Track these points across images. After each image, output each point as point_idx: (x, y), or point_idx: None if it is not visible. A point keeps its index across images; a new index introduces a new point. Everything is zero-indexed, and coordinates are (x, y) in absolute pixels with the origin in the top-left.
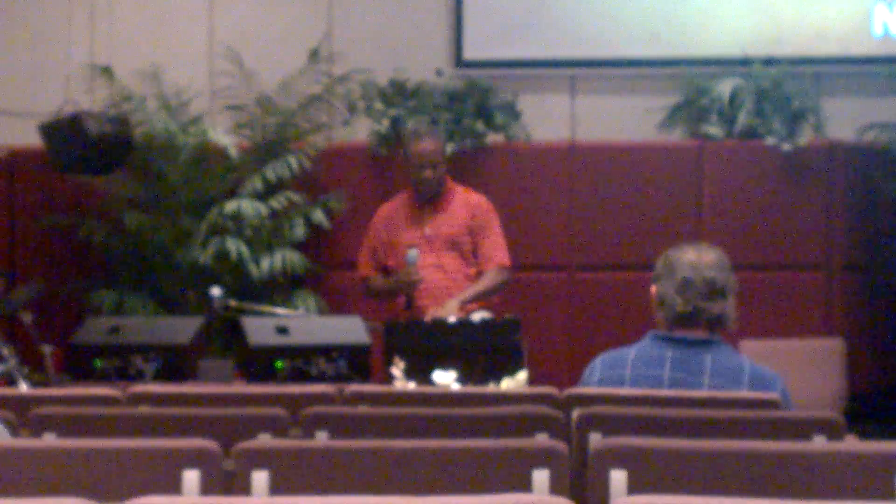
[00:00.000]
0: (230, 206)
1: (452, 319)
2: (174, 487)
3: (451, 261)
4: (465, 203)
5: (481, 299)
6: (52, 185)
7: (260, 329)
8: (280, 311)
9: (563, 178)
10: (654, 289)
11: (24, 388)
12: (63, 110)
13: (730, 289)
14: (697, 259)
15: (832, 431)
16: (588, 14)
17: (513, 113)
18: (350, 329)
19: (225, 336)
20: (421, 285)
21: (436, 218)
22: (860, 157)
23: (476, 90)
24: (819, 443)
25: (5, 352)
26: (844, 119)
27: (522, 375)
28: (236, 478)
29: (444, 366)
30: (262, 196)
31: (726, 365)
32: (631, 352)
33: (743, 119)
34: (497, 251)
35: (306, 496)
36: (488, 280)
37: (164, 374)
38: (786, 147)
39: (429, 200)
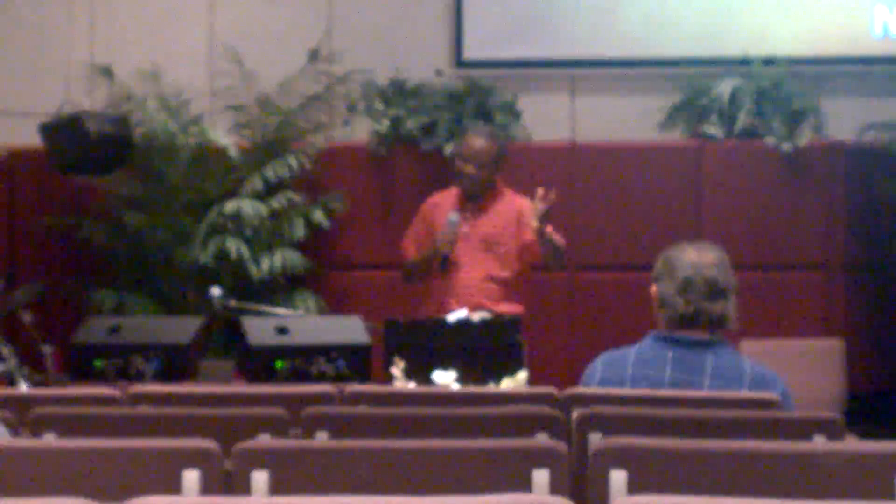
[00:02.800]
0: (230, 206)
1: (452, 319)
2: (174, 487)
3: (483, 262)
4: (510, 204)
5: (553, 249)
6: (52, 185)
7: (260, 329)
8: (280, 311)
9: (563, 178)
10: (654, 288)
11: (24, 388)
12: (63, 110)
13: (731, 288)
14: (698, 258)
15: (832, 431)
16: (588, 14)
17: (513, 113)
18: (350, 329)
19: (225, 336)
20: (450, 281)
21: (476, 216)
22: (860, 157)
23: (476, 90)
24: (819, 443)
25: (5, 352)
26: (844, 119)
27: (522, 375)
28: (236, 478)
29: (444, 366)
30: (262, 196)
31: (727, 366)
32: (632, 352)
33: (743, 119)
34: (557, 234)
35: (306, 496)
36: (560, 238)
37: (164, 374)
38: (786, 147)
39: (473, 198)
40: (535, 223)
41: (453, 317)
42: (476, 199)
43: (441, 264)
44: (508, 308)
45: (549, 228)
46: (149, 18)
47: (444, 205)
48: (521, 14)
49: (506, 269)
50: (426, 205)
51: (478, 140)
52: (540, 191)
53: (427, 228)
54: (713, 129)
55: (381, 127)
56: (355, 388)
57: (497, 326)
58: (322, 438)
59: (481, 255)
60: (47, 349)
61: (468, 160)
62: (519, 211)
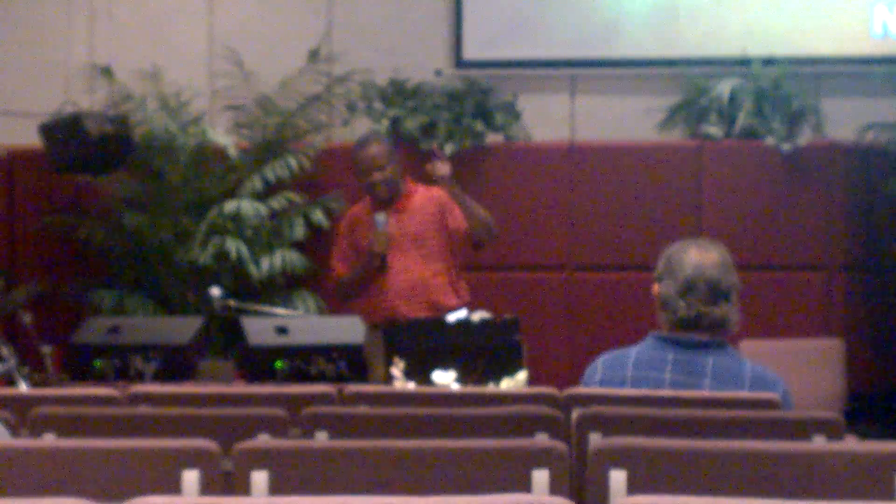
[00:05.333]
0: (230, 206)
1: (452, 319)
2: (174, 487)
3: (419, 259)
4: (427, 197)
5: (469, 209)
6: (52, 185)
7: (260, 329)
8: (280, 311)
9: (563, 178)
10: (656, 288)
11: (24, 388)
12: (63, 110)
13: (733, 289)
14: (700, 258)
15: (832, 431)
16: (588, 14)
17: (513, 113)
18: (350, 329)
19: (225, 336)
20: (394, 286)
21: (399, 218)
22: (860, 157)
23: (476, 90)
24: (819, 443)
25: (5, 352)
26: (844, 119)
27: (522, 375)
28: (236, 478)
29: (444, 366)
30: (262, 196)
31: (728, 368)
32: (632, 353)
33: (743, 119)
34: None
35: (306, 496)
36: (482, 207)
37: (164, 374)
38: (786, 147)
39: (388, 202)
40: (443, 175)
41: (453, 317)
42: (393, 202)
43: (380, 266)
44: (458, 301)
45: (462, 195)
46: (149, 18)
47: (361, 217)
48: (521, 14)
49: (439, 262)
50: (344, 222)
51: (368, 149)
52: (434, 146)
53: (351, 244)
54: (713, 129)
55: (381, 127)
56: (355, 388)
57: (497, 326)
58: (322, 438)
59: (414, 253)
60: (47, 349)
61: (370, 171)
62: (438, 201)
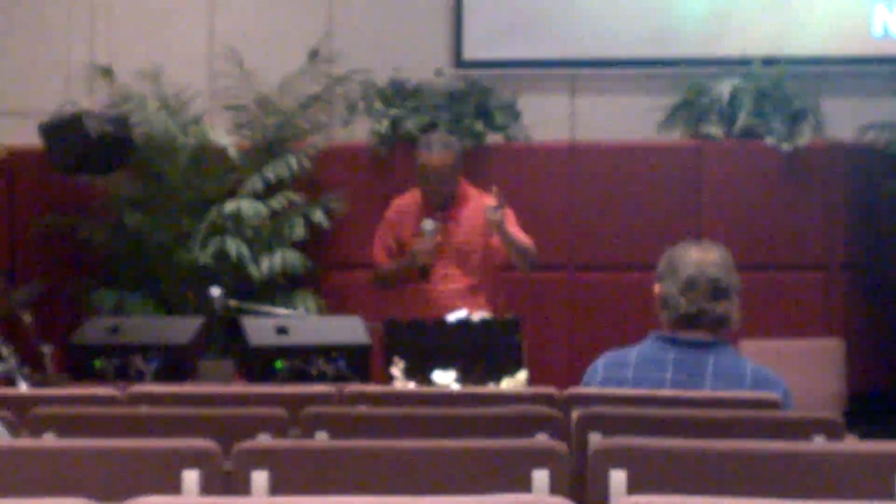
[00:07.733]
0: (230, 206)
1: (452, 319)
2: (174, 487)
3: (460, 271)
4: (477, 208)
5: (515, 246)
6: (52, 185)
7: (260, 329)
8: (280, 311)
9: (563, 178)
10: (657, 288)
11: (24, 388)
12: (63, 110)
13: (734, 288)
14: (702, 258)
15: (832, 431)
16: (588, 14)
17: (513, 113)
18: (350, 329)
19: (225, 336)
20: (430, 293)
21: (447, 227)
22: (860, 157)
23: (476, 90)
24: (819, 443)
25: (5, 352)
26: (844, 119)
27: (522, 375)
28: (236, 478)
29: (444, 366)
30: (262, 196)
31: (728, 368)
32: (633, 353)
33: (743, 119)
34: (526, 236)
35: (306, 496)
36: (527, 239)
37: (164, 374)
38: (786, 147)
39: (440, 207)
40: (492, 218)
41: (453, 317)
42: (445, 208)
43: (421, 274)
44: (496, 314)
45: (513, 227)
46: (149, 18)
47: (410, 211)
48: (521, 14)
49: (477, 275)
50: (391, 211)
51: (432, 157)
52: (494, 189)
53: (395, 235)
54: (713, 129)
55: (381, 127)
56: (355, 388)
57: (497, 326)
58: (322, 438)
59: (456, 264)
60: (47, 349)
61: (428, 178)
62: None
